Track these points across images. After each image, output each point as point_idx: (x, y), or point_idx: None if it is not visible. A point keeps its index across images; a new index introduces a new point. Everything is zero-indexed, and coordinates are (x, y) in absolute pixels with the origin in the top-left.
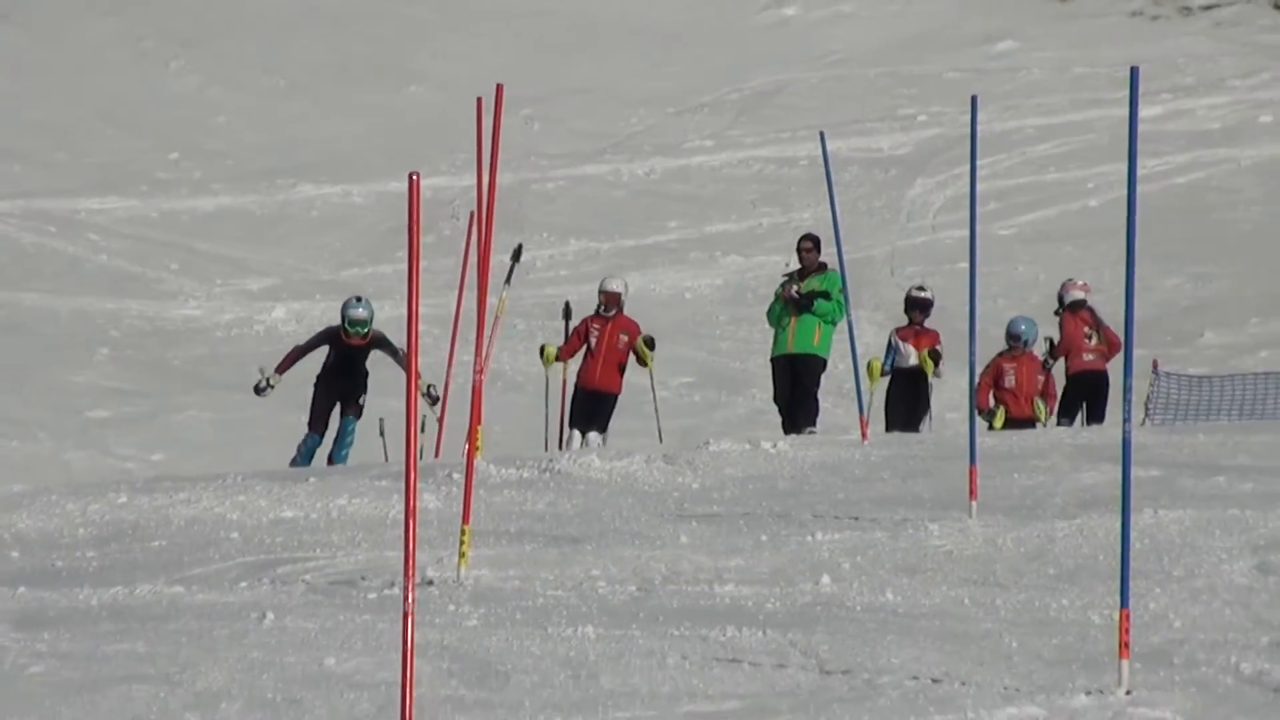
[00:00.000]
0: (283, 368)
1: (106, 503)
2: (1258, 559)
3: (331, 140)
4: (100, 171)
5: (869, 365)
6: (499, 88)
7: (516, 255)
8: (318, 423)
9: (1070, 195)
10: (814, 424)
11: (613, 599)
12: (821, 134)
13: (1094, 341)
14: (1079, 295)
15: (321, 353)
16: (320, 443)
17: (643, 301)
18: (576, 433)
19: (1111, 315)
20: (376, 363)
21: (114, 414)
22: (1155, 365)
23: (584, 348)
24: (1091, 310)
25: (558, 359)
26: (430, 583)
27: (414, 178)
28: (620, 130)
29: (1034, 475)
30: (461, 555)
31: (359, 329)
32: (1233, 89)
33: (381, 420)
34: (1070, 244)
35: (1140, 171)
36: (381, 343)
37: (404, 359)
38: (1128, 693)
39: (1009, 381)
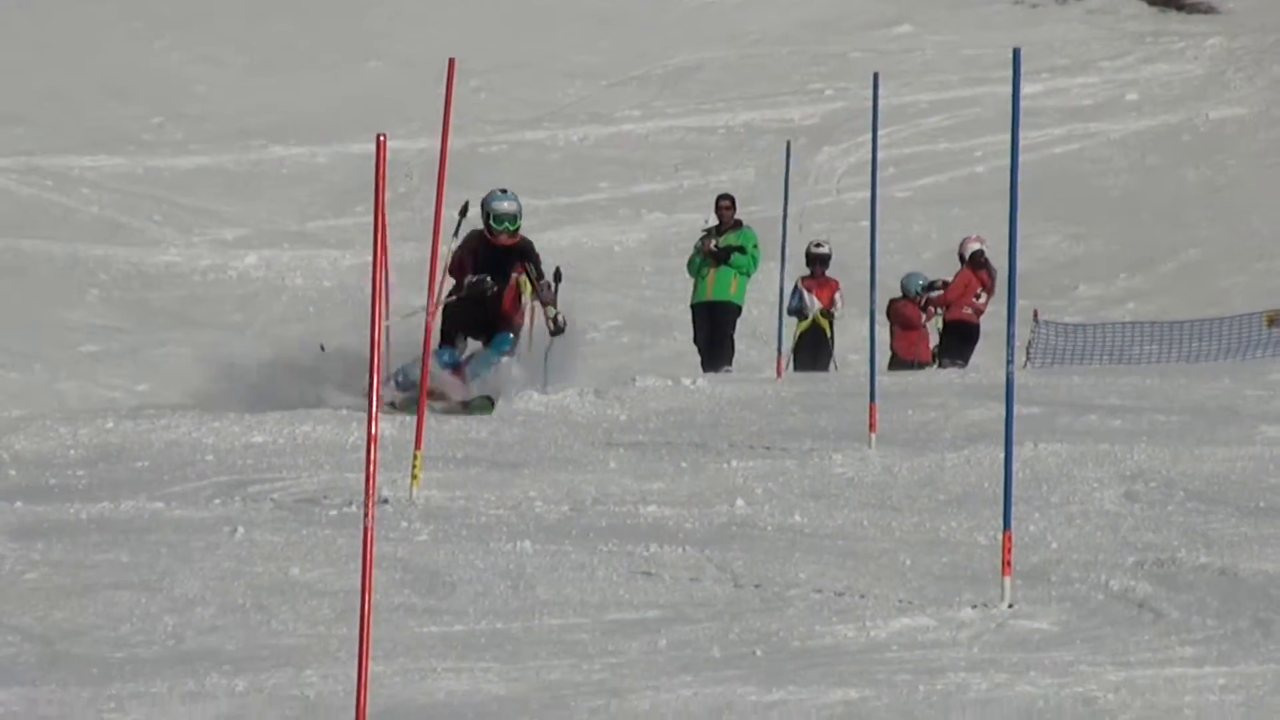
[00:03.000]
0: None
1: (95, 428)
2: (1125, 488)
3: (298, 107)
4: (93, 134)
5: (802, 314)
6: (451, 62)
7: (463, 211)
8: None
9: (959, 163)
10: (730, 363)
11: (548, 517)
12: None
13: (981, 300)
14: (975, 247)
15: None
16: (454, 357)
17: (575, 253)
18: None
19: (996, 269)
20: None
21: (102, 348)
22: (1036, 315)
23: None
24: (991, 271)
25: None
26: (385, 501)
27: (381, 138)
28: (557, 100)
29: (926, 412)
30: (414, 477)
31: (505, 225)
32: (1102, 70)
33: (322, 345)
34: (959, 206)
35: (1022, 142)
36: (527, 252)
37: (544, 287)
38: (1009, 606)
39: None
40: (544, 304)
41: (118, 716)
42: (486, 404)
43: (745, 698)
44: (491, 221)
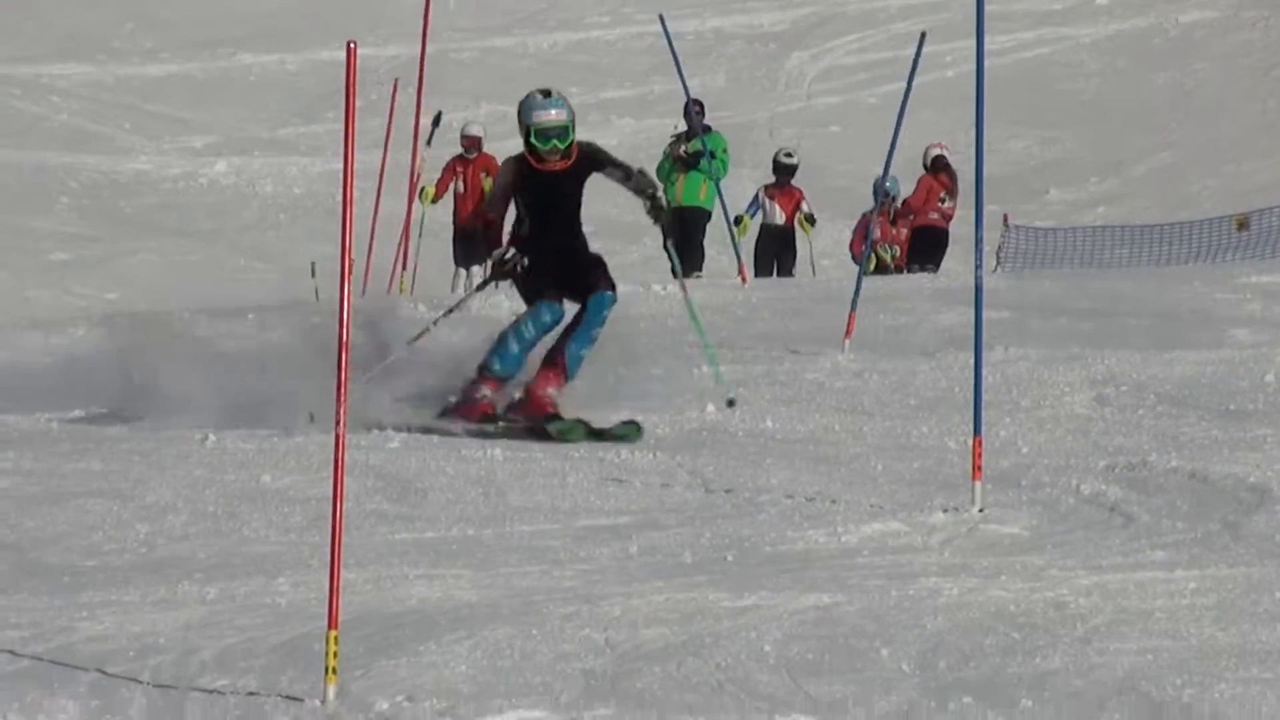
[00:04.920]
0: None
1: (66, 335)
2: (1095, 392)
3: (267, 14)
4: (61, 40)
5: (738, 220)
6: None
7: (436, 121)
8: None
9: (930, 67)
10: (700, 269)
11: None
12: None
13: (946, 205)
14: (937, 152)
15: None
16: (557, 316)
17: None
18: (461, 269)
19: (964, 174)
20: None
21: (72, 256)
22: (1006, 219)
23: (451, 188)
24: (951, 174)
25: (435, 200)
26: None
27: (352, 45)
28: (527, 7)
29: (898, 316)
30: None
31: (555, 142)
32: None
33: (313, 264)
34: (929, 110)
35: (991, 47)
36: (596, 160)
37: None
38: (980, 511)
39: (876, 233)
40: (652, 207)
41: (90, 624)
42: (633, 430)
43: (717, 603)
44: (534, 139)
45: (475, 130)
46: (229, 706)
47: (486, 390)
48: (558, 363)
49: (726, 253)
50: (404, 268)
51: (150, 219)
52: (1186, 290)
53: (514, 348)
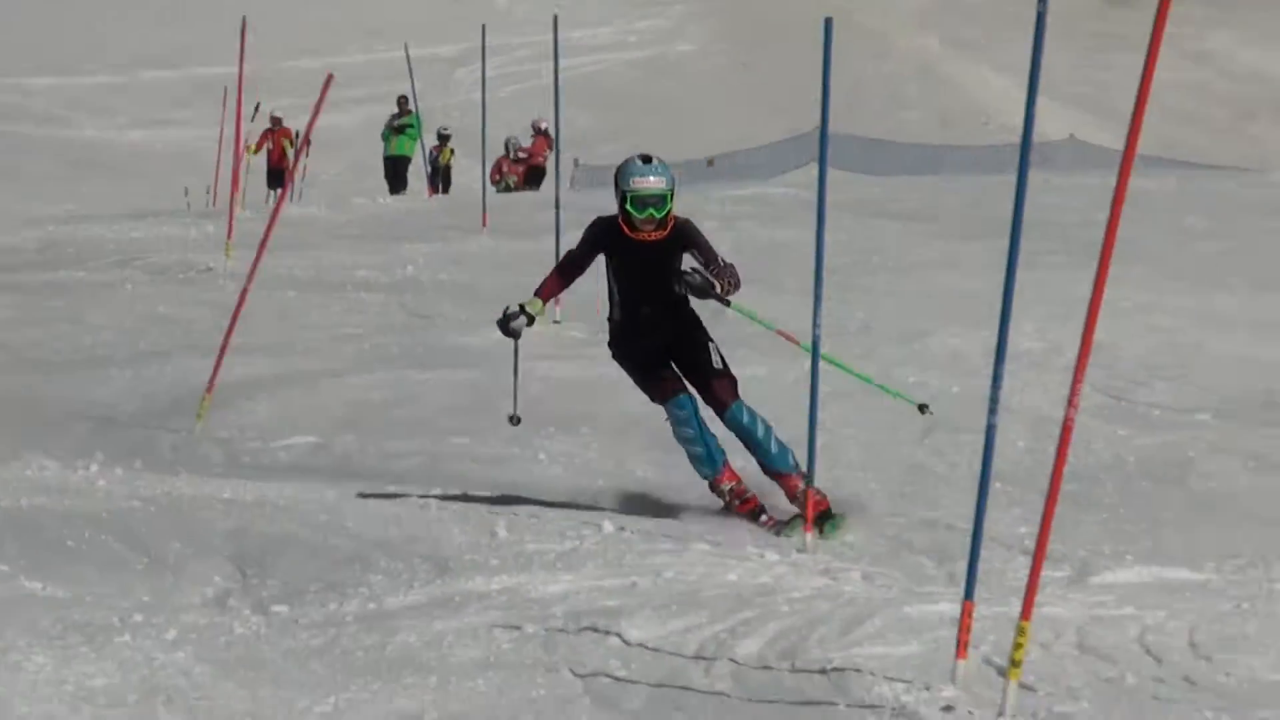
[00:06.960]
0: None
1: None
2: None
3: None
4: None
5: None
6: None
7: (256, 109)
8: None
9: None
10: None
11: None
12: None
13: (548, 154)
14: (545, 126)
15: None
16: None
17: None
18: (269, 190)
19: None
20: None
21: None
22: (575, 161)
23: (265, 147)
24: (549, 137)
25: (255, 152)
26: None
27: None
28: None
29: None
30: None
31: (651, 211)
32: (615, 25)
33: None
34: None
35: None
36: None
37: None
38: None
39: (505, 168)
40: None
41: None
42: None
43: (666, 494)
44: (630, 206)
45: (277, 114)
46: None
47: (732, 485)
48: (779, 473)
49: None
50: (237, 190)
51: None
52: None
53: (698, 449)
